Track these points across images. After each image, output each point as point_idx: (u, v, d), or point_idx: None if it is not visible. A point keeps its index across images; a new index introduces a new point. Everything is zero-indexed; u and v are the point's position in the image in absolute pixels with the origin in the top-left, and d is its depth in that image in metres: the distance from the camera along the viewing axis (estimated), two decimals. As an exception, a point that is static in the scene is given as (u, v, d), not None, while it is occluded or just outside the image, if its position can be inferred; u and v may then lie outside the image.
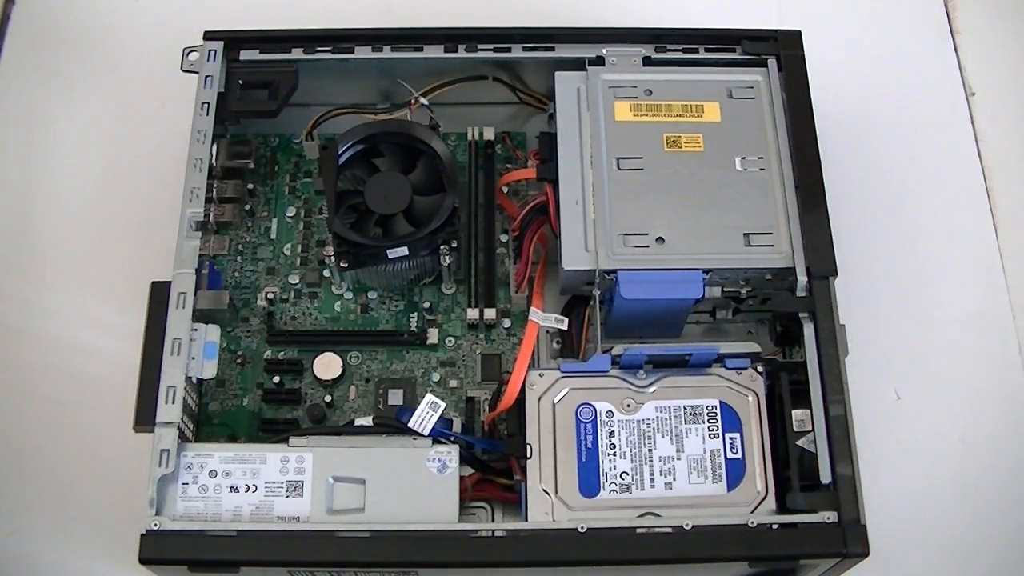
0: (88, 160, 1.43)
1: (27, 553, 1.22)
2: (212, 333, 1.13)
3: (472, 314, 1.26)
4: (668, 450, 1.10)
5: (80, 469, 1.25)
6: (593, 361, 1.13)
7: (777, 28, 1.28)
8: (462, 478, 1.09)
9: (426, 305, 1.28)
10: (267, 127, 1.34)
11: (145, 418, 1.07)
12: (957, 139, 1.47)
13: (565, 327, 1.19)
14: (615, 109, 1.23)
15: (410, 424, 1.09)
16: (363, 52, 1.27)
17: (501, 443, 1.13)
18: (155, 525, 1.03)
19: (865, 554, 1.04)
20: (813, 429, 1.09)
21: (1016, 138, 1.48)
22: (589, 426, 1.11)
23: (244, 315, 1.27)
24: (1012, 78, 1.52)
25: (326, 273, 1.29)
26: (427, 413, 1.09)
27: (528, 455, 1.09)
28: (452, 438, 1.10)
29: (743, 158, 1.21)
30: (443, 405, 1.09)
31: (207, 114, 1.22)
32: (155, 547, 1.03)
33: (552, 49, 1.27)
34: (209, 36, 1.27)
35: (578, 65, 1.26)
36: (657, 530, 1.05)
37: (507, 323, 1.27)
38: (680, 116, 1.23)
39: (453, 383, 1.24)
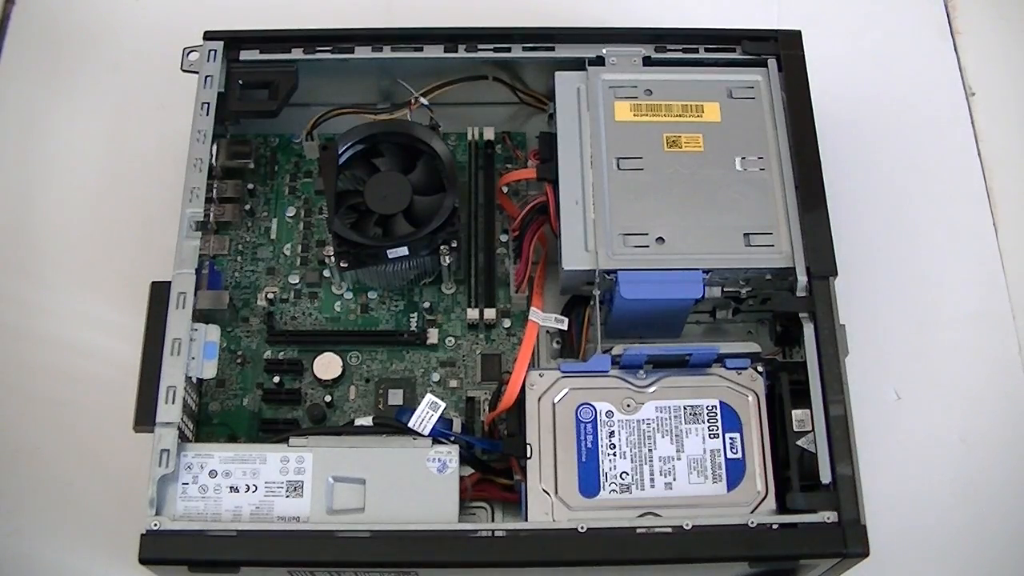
0: (88, 160, 1.43)
1: (27, 553, 1.22)
2: (212, 333, 1.13)
3: (472, 314, 1.26)
4: (668, 450, 1.10)
5: (80, 469, 1.25)
6: (593, 361, 1.13)
7: (777, 28, 1.28)
8: (462, 478, 1.09)
9: (426, 305, 1.28)
10: (267, 127, 1.34)
11: (145, 418, 1.07)
12: (957, 139, 1.47)
13: (565, 327, 1.19)
14: (615, 109, 1.23)
15: (410, 424, 1.09)
16: (363, 52, 1.27)
17: (501, 443, 1.13)
18: (155, 525, 1.03)
19: (865, 554, 1.04)
20: (813, 429, 1.09)
21: (1016, 138, 1.48)
22: (589, 426, 1.11)
23: (244, 315, 1.27)
24: (1012, 78, 1.52)
25: (326, 273, 1.29)
26: (427, 413, 1.09)
27: (528, 455, 1.09)
28: (452, 438, 1.10)
29: (743, 158, 1.21)
30: (443, 405, 1.09)
31: (207, 114, 1.22)
32: (155, 547, 1.03)
33: (552, 49, 1.27)
34: (209, 36, 1.27)
35: (578, 65, 1.26)
36: (657, 530, 1.05)
37: (507, 323, 1.27)
38: (680, 116, 1.23)
39: (453, 383, 1.24)
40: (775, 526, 1.05)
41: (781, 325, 1.20)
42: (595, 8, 1.53)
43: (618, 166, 1.20)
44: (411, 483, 1.07)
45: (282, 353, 1.26)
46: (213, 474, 1.07)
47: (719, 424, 1.11)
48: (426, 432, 1.09)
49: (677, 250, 1.16)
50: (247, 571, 1.04)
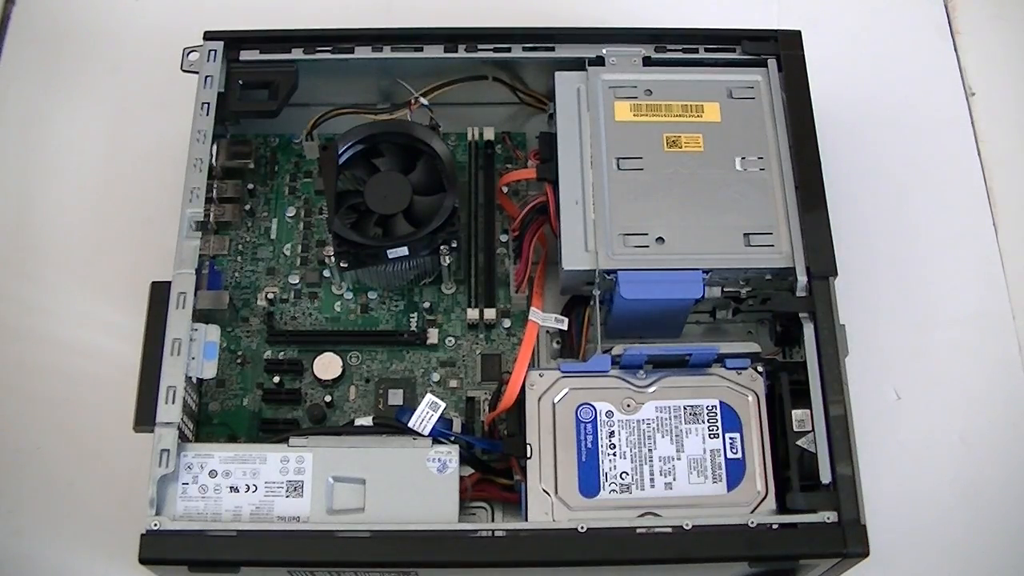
0: (88, 160, 1.43)
1: (27, 553, 1.21)
2: (212, 333, 1.13)
3: (472, 314, 1.26)
4: (668, 450, 1.10)
5: (80, 469, 1.25)
6: (593, 361, 1.13)
7: (777, 28, 1.28)
8: (462, 478, 1.09)
9: (426, 305, 1.28)
10: (267, 127, 1.34)
11: (145, 418, 1.07)
12: (957, 139, 1.47)
13: (565, 327, 1.19)
14: (615, 109, 1.23)
15: (410, 424, 1.09)
16: (363, 52, 1.27)
17: (501, 443, 1.13)
18: (155, 525, 1.03)
19: (865, 554, 1.04)
20: (813, 429, 1.09)
21: (1016, 138, 1.48)
22: (589, 426, 1.11)
23: (244, 315, 1.27)
24: (1012, 78, 1.52)
25: (326, 273, 1.29)
26: (427, 413, 1.09)
27: (528, 455, 1.09)
28: (452, 438, 1.10)
29: (743, 158, 1.21)
30: (443, 405, 1.09)
31: (207, 114, 1.22)
32: (155, 547, 1.03)
33: (552, 49, 1.27)
34: (209, 36, 1.27)
35: (578, 65, 1.26)
36: (657, 530, 1.05)
37: (507, 323, 1.27)
38: (680, 116, 1.23)
39: (453, 383, 1.24)
40: (775, 526, 1.05)
41: (781, 325, 1.20)
42: (595, 8, 1.53)
43: (618, 166, 1.20)
44: (411, 483, 1.07)
45: (282, 353, 1.26)
46: (213, 474, 1.07)
47: (719, 424, 1.11)
48: (426, 432, 1.09)
49: (677, 250, 1.16)
50: (247, 571, 1.04)
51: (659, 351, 1.12)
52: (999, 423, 1.30)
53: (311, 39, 1.28)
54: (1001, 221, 1.42)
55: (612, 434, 1.11)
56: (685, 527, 1.04)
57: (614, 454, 1.10)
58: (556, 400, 1.12)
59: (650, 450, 1.10)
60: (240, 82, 1.27)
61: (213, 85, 1.24)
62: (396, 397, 1.23)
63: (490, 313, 1.25)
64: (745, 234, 1.17)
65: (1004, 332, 1.36)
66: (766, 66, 1.26)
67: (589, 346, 1.20)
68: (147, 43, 1.50)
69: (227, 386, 1.23)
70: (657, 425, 1.11)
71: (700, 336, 1.26)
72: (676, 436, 1.11)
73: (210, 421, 1.21)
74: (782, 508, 1.08)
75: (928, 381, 1.32)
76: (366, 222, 1.23)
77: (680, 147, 1.21)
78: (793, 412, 1.10)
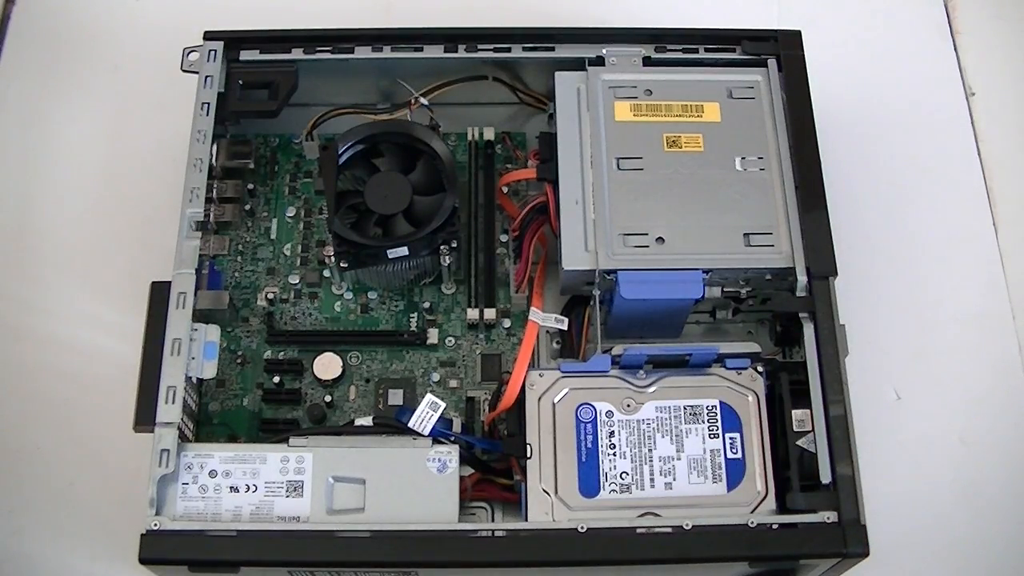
0: (88, 160, 1.43)
1: (27, 553, 1.21)
2: (212, 333, 1.13)
3: (472, 314, 1.26)
4: (668, 450, 1.10)
5: (80, 469, 1.25)
6: (593, 361, 1.13)
7: (777, 28, 1.28)
8: (462, 478, 1.09)
9: (426, 305, 1.28)
10: (267, 127, 1.34)
11: (145, 418, 1.07)
12: (957, 139, 1.47)
13: (565, 327, 1.19)
14: (615, 109, 1.23)
15: (410, 424, 1.09)
16: (363, 52, 1.27)
17: (501, 443, 1.13)
18: (155, 525, 1.03)
19: (865, 554, 1.04)
20: (813, 429, 1.09)
21: (1016, 138, 1.48)
22: (589, 426, 1.11)
23: (244, 315, 1.27)
24: (1012, 78, 1.52)
25: (326, 273, 1.29)
26: (427, 413, 1.09)
27: (528, 455, 1.09)
28: (452, 438, 1.10)
29: (743, 158, 1.21)
30: (443, 405, 1.09)
31: (207, 114, 1.22)
32: (155, 547, 1.03)
33: (552, 49, 1.27)
34: (209, 36, 1.27)
35: (578, 65, 1.26)
36: (657, 530, 1.05)
37: (507, 323, 1.27)
38: (680, 116, 1.23)
39: (453, 383, 1.24)
40: (775, 526, 1.05)
41: (781, 325, 1.20)
42: (595, 8, 1.53)
43: (618, 166, 1.20)
44: (411, 483, 1.07)
45: (282, 353, 1.26)
46: (213, 474, 1.07)
47: (719, 424, 1.11)
48: (426, 432, 1.09)
49: (677, 250, 1.16)
50: (247, 571, 1.04)
51: (659, 351, 1.12)
52: (999, 423, 1.30)
53: (311, 39, 1.28)
54: (1001, 221, 1.42)
55: (612, 434, 1.11)
56: (685, 527, 1.04)
57: (614, 454, 1.10)
58: (556, 400, 1.12)
59: (650, 450, 1.10)
60: (240, 82, 1.27)
61: (213, 85, 1.24)
62: (396, 397, 1.23)
63: (490, 313, 1.25)
64: (745, 234, 1.17)
65: (1004, 332, 1.36)
66: (766, 66, 1.26)
67: (589, 346, 1.20)
68: (147, 43, 1.50)
69: (227, 386, 1.23)
70: (657, 425, 1.11)
71: (700, 336, 1.26)
72: (676, 436, 1.11)
73: (210, 421, 1.21)
74: (782, 508, 1.08)
75: (928, 381, 1.32)
76: (366, 222, 1.23)
77: (680, 147, 1.21)
78: (793, 412, 1.10)
